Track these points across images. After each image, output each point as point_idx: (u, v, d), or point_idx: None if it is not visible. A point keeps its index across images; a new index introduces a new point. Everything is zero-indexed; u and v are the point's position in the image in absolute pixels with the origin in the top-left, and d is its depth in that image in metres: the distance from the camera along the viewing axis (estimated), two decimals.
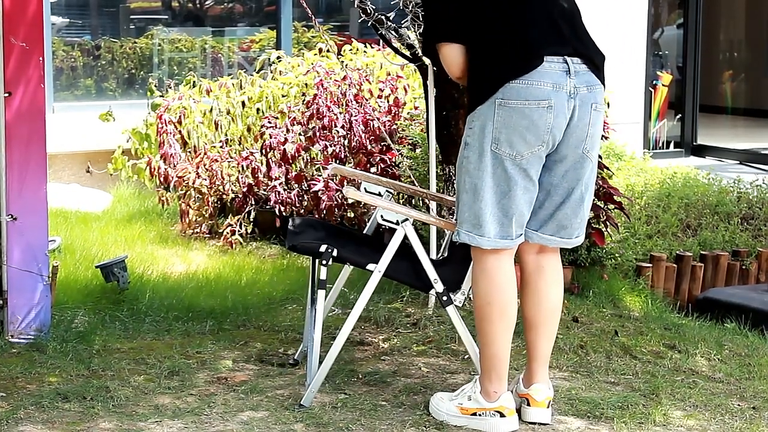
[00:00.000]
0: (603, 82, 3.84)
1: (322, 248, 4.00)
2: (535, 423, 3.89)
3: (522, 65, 3.69)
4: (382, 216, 4.01)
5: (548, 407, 3.92)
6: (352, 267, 4.28)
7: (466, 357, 4.51)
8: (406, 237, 3.98)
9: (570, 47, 3.77)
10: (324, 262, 3.99)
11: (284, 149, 6.46)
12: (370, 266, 4.00)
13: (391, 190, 4.34)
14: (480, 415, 3.83)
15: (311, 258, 4.32)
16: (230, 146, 6.98)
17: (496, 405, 3.82)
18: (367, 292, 4.01)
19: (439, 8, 3.82)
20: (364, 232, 4.45)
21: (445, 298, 4.02)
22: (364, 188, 4.29)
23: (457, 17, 3.77)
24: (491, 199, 3.73)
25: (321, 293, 4.01)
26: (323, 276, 3.98)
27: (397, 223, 3.97)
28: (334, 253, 4.00)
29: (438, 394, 3.99)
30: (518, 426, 3.85)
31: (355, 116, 6.44)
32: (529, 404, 3.91)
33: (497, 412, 3.82)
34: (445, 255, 4.35)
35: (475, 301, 3.84)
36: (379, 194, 4.29)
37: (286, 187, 6.52)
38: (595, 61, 3.83)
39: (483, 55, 3.75)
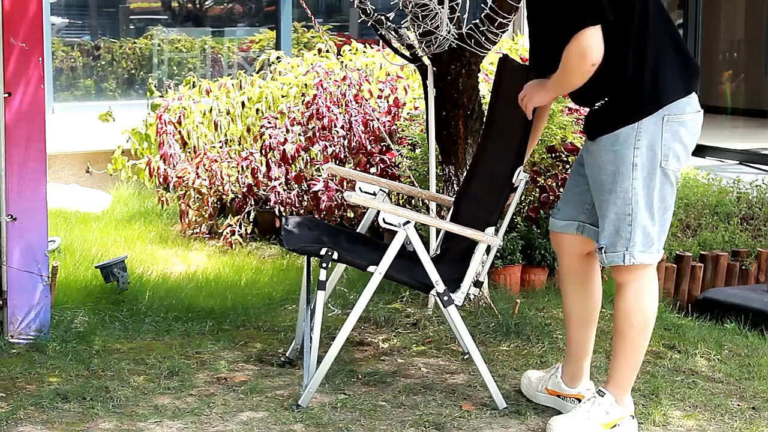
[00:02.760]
0: None
1: (323, 251, 4.00)
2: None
3: (692, 81, 3.69)
4: (383, 219, 4.01)
5: None
6: (346, 265, 4.28)
7: (465, 357, 4.51)
8: (407, 239, 3.98)
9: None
10: (324, 264, 3.99)
11: (284, 149, 6.46)
12: (371, 268, 4.00)
13: (385, 189, 4.33)
14: (619, 424, 3.82)
15: (306, 258, 4.32)
16: (230, 146, 6.98)
17: (630, 410, 3.88)
18: (368, 293, 4.01)
19: None
20: (358, 230, 4.45)
21: (446, 298, 4.02)
22: (359, 188, 4.29)
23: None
24: (661, 216, 3.73)
25: (320, 294, 4.01)
26: (322, 277, 3.98)
27: (399, 226, 3.97)
28: (335, 256, 4.00)
29: (559, 419, 3.82)
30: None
31: (355, 116, 6.44)
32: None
33: (631, 416, 3.87)
34: (438, 252, 4.35)
35: (637, 316, 3.79)
36: (374, 194, 4.29)
37: (285, 188, 6.52)
38: None
39: (648, 68, 3.65)
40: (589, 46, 3.56)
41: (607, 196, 3.71)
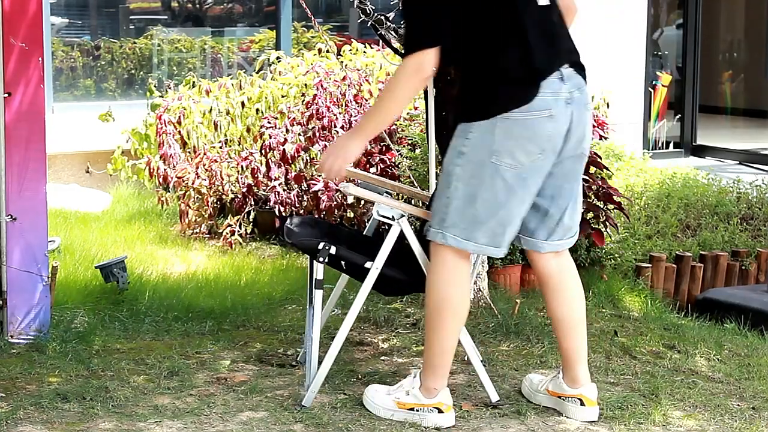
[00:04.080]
0: (586, 80, 3.86)
1: (320, 245, 4.00)
2: (589, 422, 3.94)
3: (528, 92, 3.69)
4: (378, 211, 4.01)
5: (596, 405, 4.01)
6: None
7: (465, 357, 4.50)
8: (403, 235, 3.98)
9: (564, 57, 3.79)
10: (321, 259, 3.99)
11: (284, 149, 6.46)
12: (368, 264, 4.00)
13: (391, 192, 4.33)
14: (417, 410, 3.87)
15: (309, 258, 4.32)
16: (230, 146, 6.98)
17: (435, 401, 3.87)
18: (365, 289, 4.01)
19: (426, 13, 3.75)
20: (364, 233, 4.45)
21: None
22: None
23: (449, 26, 3.73)
24: (488, 210, 3.74)
25: (318, 294, 4.01)
26: (320, 275, 3.98)
27: (393, 219, 3.97)
28: (332, 251, 4.00)
29: (373, 386, 4.02)
30: (454, 422, 3.88)
31: (355, 116, 6.44)
32: (583, 404, 3.96)
33: (435, 408, 3.86)
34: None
35: (429, 295, 3.86)
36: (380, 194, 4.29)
37: (285, 188, 6.52)
38: (579, 62, 3.85)
39: (486, 77, 3.73)
40: (424, 65, 3.70)
41: (441, 176, 3.83)
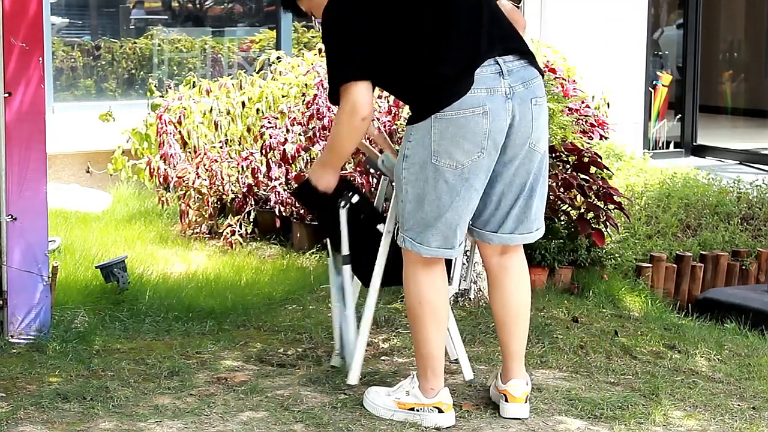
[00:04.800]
0: (540, 72, 3.83)
1: (344, 194, 4.06)
2: (514, 419, 3.93)
3: (457, 90, 3.67)
4: (383, 161, 4.13)
5: (526, 402, 3.96)
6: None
7: (454, 360, 4.50)
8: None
9: (500, 47, 3.74)
10: (343, 203, 4.04)
11: (284, 149, 6.46)
12: (380, 227, 4.05)
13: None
14: (418, 410, 3.87)
15: (329, 244, 4.30)
16: (230, 146, 6.98)
17: (434, 401, 3.87)
18: (382, 253, 4.05)
19: (347, 43, 3.76)
20: (375, 203, 4.40)
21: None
22: (382, 160, 4.25)
23: (368, 51, 3.73)
24: (434, 212, 3.74)
25: (347, 269, 4.08)
26: (344, 221, 4.04)
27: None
28: (354, 199, 4.05)
29: (373, 388, 4.03)
30: (455, 421, 3.88)
31: None
32: (507, 400, 3.95)
33: (435, 408, 3.86)
34: None
35: (406, 300, 3.88)
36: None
37: (286, 188, 6.52)
38: (528, 52, 3.81)
39: (418, 78, 3.72)
40: (358, 99, 3.72)
41: (395, 180, 3.87)
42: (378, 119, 6.43)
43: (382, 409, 3.92)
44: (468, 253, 4.47)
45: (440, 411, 3.86)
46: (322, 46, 4.02)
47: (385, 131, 6.34)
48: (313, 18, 4.20)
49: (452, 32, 3.70)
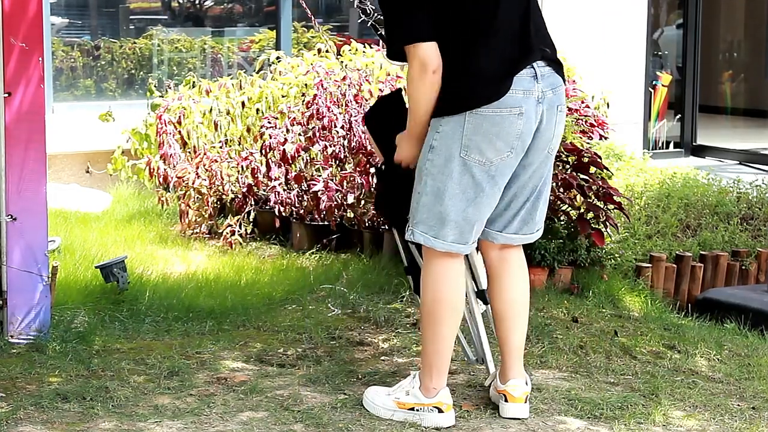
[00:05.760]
0: (564, 79, 3.86)
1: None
2: (513, 419, 3.93)
3: (499, 89, 3.69)
4: None
5: (526, 402, 3.96)
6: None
7: (464, 357, 4.50)
8: None
9: (538, 53, 3.78)
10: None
11: (284, 149, 6.46)
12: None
13: None
14: (418, 410, 3.87)
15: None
16: (230, 146, 6.98)
17: (435, 401, 3.87)
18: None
19: (415, 5, 3.73)
20: None
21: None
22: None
23: (427, 20, 3.72)
24: (455, 206, 3.74)
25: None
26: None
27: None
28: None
29: (372, 387, 4.03)
30: (455, 421, 3.88)
31: (355, 116, 6.43)
32: (506, 400, 3.95)
33: (435, 408, 3.86)
34: None
35: (423, 296, 3.87)
36: None
37: (285, 188, 6.52)
38: (557, 60, 3.84)
39: (457, 72, 3.72)
40: (427, 57, 3.68)
41: (416, 171, 3.83)
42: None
43: (381, 409, 3.91)
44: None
45: (440, 411, 3.86)
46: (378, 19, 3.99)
47: None
48: (313, 18, 4.20)
49: (501, 31, 3.72)
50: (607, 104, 7.80)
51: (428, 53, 3.69)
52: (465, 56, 3.71)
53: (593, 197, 5.60)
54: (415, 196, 3.81)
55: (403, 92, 4.07)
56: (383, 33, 5.06)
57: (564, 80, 3.87)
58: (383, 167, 4.04)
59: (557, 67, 3.83)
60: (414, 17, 3.71)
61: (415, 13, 3.71)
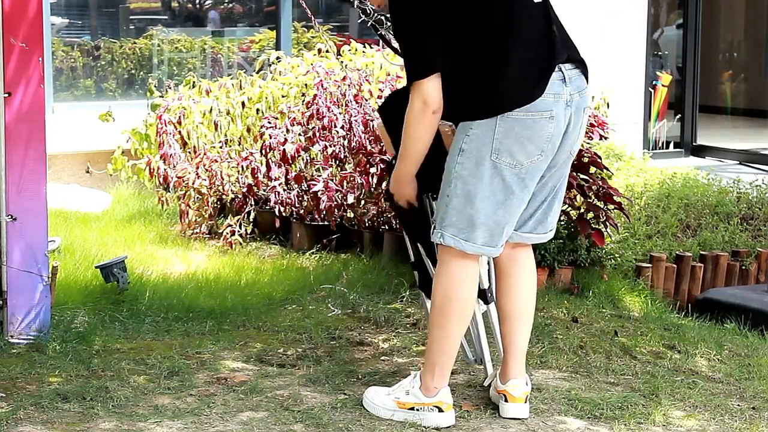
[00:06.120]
0: (587, 80, 3.87)
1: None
2: (513, 419, 3.93)
3: (530, 92, 3.70)
4: None
5: (526, 402, 3.96)
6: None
7: (462, 358, 4.50)
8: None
9: (564, 55, 3.78)
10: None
11: (284, 149, 6.46)
12: None
13: None
14: (418, 409, 3.87)
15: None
16: (230, 146, 6.98)
17: (435, 400, 3.87)
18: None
19: (420, 37, 3.73)
20: None
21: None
22: None
23: (440, 43, 3.71)
24: (486, 209, 3.74)
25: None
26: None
27: None
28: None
29: (372, 388, 4.03)
30: (455, 421, 3.89)
31: (355, 116, 6.44)
32: (506, 400, 3.95)
33: (435, 407, 3.86)
34: None
35: (435, 295, 3.85)
36: None
37: (285, 188, 6.52)
38: (582, 60, 3.85)
39: (487, 77, 3.71)
40: (429, 95, 3.68)
41: (443, 174, 3.82)
42: (378, 119, 6.43)
43: (381, 409, 3.91)
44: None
45: (440, 410, 3.86)
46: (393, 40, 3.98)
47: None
48: (313, 18, 4.20)
49: (527, 35, 3.72)
50: (607, 104, 7.80)
51: (431, 91, 3.68)
52: (493, 61, 3.70)
53: (593, 197, 5.60)
54: (443, 198, 3.80)
55: None
56: (383, 33, 5.07)
57: (587, 81, 3.86)
58: (394, 162, 4.04)
59: (583, 68, 3.84)
60: (425, 48, 3.71)
61: (428, 43, 3.71)
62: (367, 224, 6.25)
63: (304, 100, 6.70)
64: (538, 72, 3.72)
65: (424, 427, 3.84)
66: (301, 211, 6.48)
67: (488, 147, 3.70)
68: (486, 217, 3.75)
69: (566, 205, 5.66)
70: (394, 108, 4.03)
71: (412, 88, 3.72)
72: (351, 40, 7.74)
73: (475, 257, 3.84)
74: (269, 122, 6.67)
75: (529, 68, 3.71)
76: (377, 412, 3.92)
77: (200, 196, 6.82)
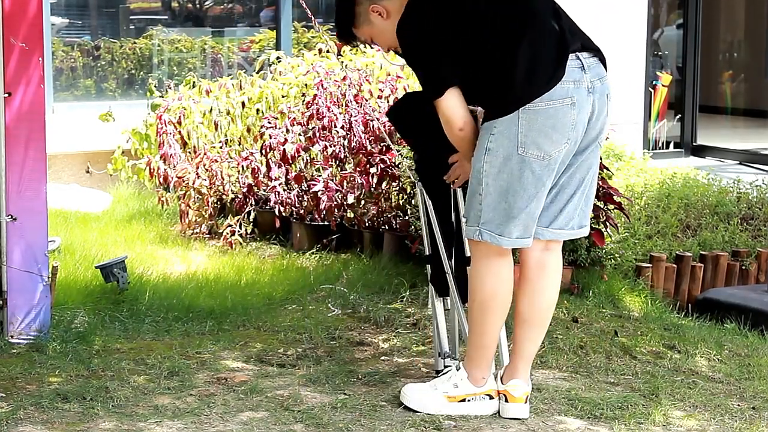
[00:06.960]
0: (606, 68, 3.89)
1: None
2: (514, 419, 3.93)
3: (546, 82, 3.72)
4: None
5: (526, 402, 3.98)
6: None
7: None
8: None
9: (576, 43, 3.81)
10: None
11: (284, 149, 6.46)
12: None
13: None
14: (469, 400, 3.93)
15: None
16: (230, 146, 6.98)
17: (486, 389, 3.94)
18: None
19: (430, 57, 3.79)
20: None
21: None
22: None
23: (450, 59, 3.76)
24: (519, 203, 3.76)
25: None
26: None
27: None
28: None
29: (410, 385, 4.03)
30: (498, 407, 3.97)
31: (355, 116, 6.44)
32: (507, 400, 3.96)
33: (487, 395, 3.94)
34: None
35: (477, 293, 3.88)
36: None
37: (285, 188, 6.52)
38: (597, 48, 3.88)
39: (502, 75, 3.74)
40: (451, 114, 3.77)
41: (471, 175, 3.86)
42: (378, 119, 6.43)
43: (430, 405, 3.93)
44: None
45: (491, 398, 3.94)
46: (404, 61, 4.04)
47: (385, 131, 6.35)
48: (313, 18, 4.21)
49: (535, 28, 3.75)
50: None
51: (450, 106, 3.76)
52: (506, 58, 3.73)
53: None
54: (475, 197, 3.82)
55: None
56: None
57: (606, 69, 3.88)
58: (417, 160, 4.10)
59: (600, 56, 3.86)
60: (435, 65, 3.77)
61: (438, 60, 3.76)
62: (367, 224, 6.25)
63: (304, 100, 6.70)
64: (552, 61, 3.73)
65: (473, 415, 3.89)
66: (301, 211, 6.48)
67: (514, 142, 3.72)
68: (520, 211, 3.77)
69: None
70: (404, 113, 4.08)
71: (435, 106, 3.79)
72: None
73: (509, 252, 3.86)
74: (269, 122, 6.67)
75: (542, 59, 3.73)
76: (425, 408, 3.93)
77: (200, 196, 6.82)
